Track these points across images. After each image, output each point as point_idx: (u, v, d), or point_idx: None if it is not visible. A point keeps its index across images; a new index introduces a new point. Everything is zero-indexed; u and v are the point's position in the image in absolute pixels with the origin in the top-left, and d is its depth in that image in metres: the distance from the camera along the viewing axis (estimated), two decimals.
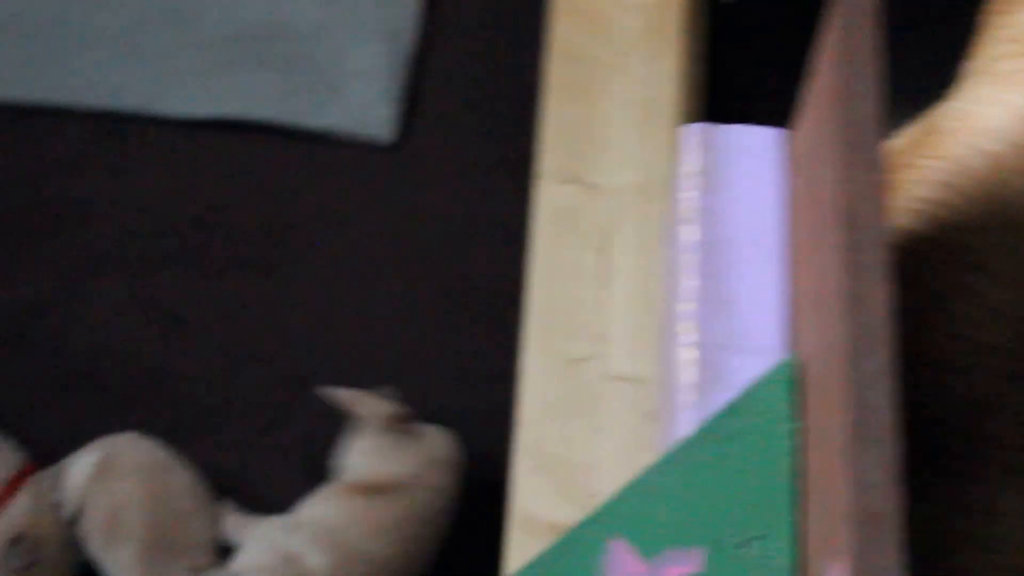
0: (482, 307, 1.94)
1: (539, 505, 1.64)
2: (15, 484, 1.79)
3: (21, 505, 1.77)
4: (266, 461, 1.86)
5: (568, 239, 1.77)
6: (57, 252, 2.01)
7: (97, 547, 1.77)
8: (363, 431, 1.80)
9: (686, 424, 1.23)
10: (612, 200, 1.77)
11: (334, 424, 1.87)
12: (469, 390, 1.89)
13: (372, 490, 1.73)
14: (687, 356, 1.29)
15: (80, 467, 1.80)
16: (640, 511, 1.18)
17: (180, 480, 1.80)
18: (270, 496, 1.83)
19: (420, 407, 1.85)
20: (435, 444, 1.79)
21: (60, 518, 1.78)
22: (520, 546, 1.64)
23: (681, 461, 1.16)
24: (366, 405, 1.82)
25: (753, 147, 1.37)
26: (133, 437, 1.82)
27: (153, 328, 1.96)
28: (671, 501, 1.15)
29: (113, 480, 1.78)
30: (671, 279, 1.43)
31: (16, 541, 1.75)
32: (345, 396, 1.82)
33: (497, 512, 1.75)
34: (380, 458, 1.77)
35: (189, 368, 1.93)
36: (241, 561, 1.71)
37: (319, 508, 1.73)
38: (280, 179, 2.04)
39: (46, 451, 1.84)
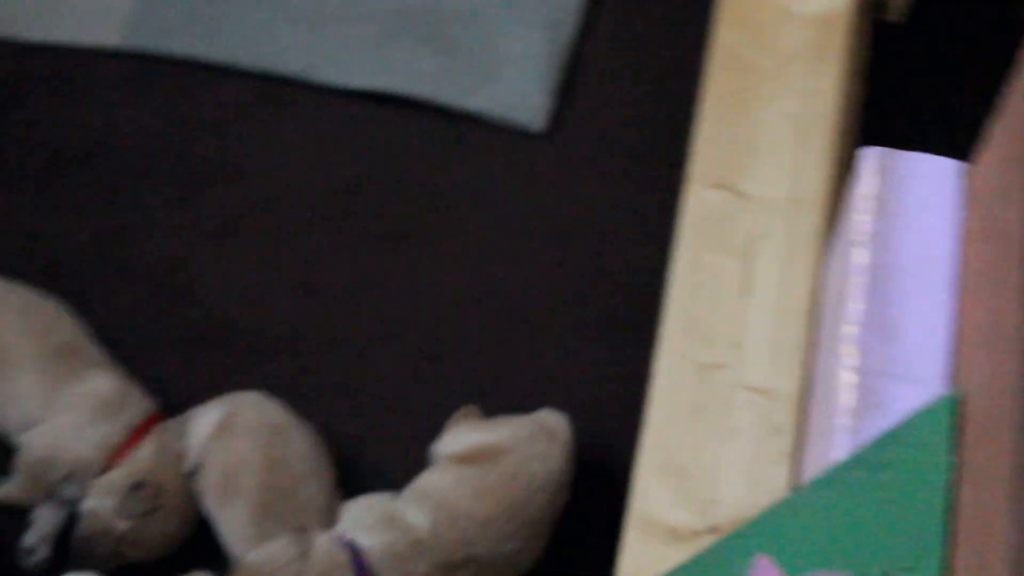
0: (618, 304, 1.94)
1: (658, 507, 1.64)
2: (142, 430, 1.81)
3: (145, 452, 1.80)
4: (389, 433, 1.87)
5: (712, 244, 1.76)
6: (202, 209, 2.03)
7: (212, 502, 1.79)
8: (457, 422, 1.81)
9: (839, 447, 1.23)
10: (760, 209, 1.76)
11: (455, 401, 1.87)
12: (598, 385, 1.89)
13: (473, 458, 1.74)
14: (847, 379, 1.28)
15: (203, 422, 1.83)
16: (788, 530, 1.17)
17: (299, 444, 1.81)
18: (389, 469, 1.84)
19: (546, 397, 1.86)
20: (541, 418, 1.79)
21: (181, 469, 1.81)
22: (635, 545, 1.64)
23: (834, 485, 1.16)
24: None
25: (930, 176, 1.35)
26: (258, 397, 1.84)
27: (289, 291, 1.97)
28: (820, 523, 1.14)
29: (233, 438, 1.80)
30: (836, 299, 1.42)
31: (137, 486, 1.77)
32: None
33: (615, 509, 1.75)
34: (479, 430, 1.78)
35: (321, 334, 1.94)
36: (344, 523, 1.72)
37: (424, 478, 1.75)
38: (428, 157, 2.05)
39: (174, 401, 1.86)
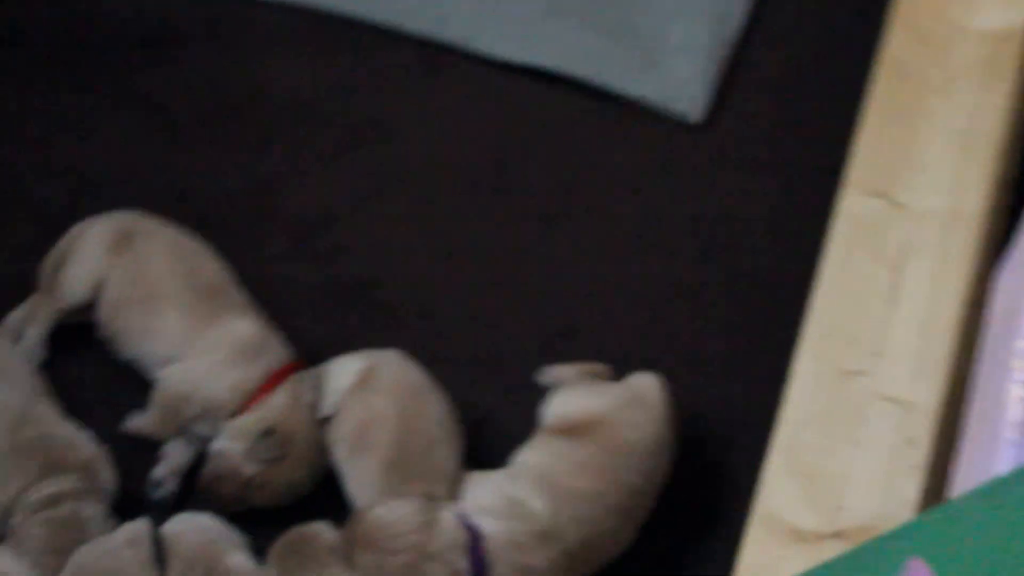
0: (761, 302, 1.93)
1: (783, 507, 1.64)
2: (278, 378, 1.83)
3: (279, 399, 1.81)
4: (517, 408, 1.87)
5: (863, 252, 1.75)
6: (354, 167, 2.04)
7: (342, 454, 1.81)
8: (566, 382, 1.81)
9: (1005, 461, 1.21)
10: (916, 221, 1.75)
11: None
12: (730, 382, 1.89)
13: (568, 430, 1.73)
14: (1018, 393, 1.27)
15: (341, 374, 1.84)
16: (946, 537, 1.16)
17: (434, 407, 1.82)
18: (516, 444, 1.83)
19: (675, 389, 1.85)
20: (634, 384, 1.78)
21: (313, 420, 1.82)
22: (756, 543, 1.63)
23: (996, 497, 1.14)
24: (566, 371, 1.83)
25: None
26: (397, 356, 1.84)
27: (433, 257, 1.98)
28: (979, 534, 1.13)
29: (371, 393, 1.81)
30: (1008, 314, 1.41)
31: (268, 433, 1.79)
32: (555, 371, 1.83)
33: (739, 506, 1.75)
34: (575, 400, 1.77)
35: (461, 302, 1.95)
36: (469, 502, 1.72)
37: (528, 454, 1.74)
38: (582, 138, 2.05)
39: (309, 354, 1.87)
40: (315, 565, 1.67)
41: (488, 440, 1.84)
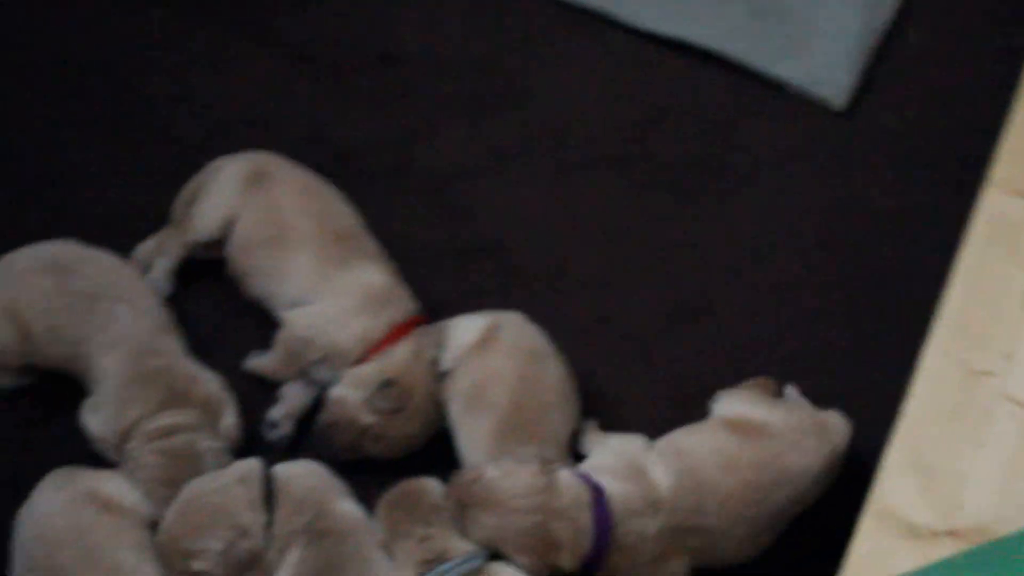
0: (891, 294, 1.91)
1: (900, 502, 1.61)
2: (402, 330, 1.83)
3: (402, 352, 1.82)
4: (634, 378, 1.87)
5: (1002, 251, 1.72)
6: (491, 128, 2.04)
7: (458, 411, 1.81)
8: (748, 387, 1.80)
9: None
10: None
11: (707, 361, 1.88)
12: (852, 371, 1.87)
13: (739, 428, 1.72)
14: None
15: (464, 332, 1.84)
16: None
17: (553, 372, 1.82)
18: (629, 413, 1.84)
19: (796, 374, 1.84)
20: (824, 416, 1.75)
21: (433, 375, 1.83)
22: (869, 535, 1.61)
23: None
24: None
25: None
26: (520, 318, 1.85)
27: (562, 223, 1.98)
28: None
29: (492, 352, 1.81)
30: None
31: (388, 384, 1.79)
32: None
33: (854, 497, 1.73)
34: (757, 404, 1.76)
35: (585, 270, 1.95)
36: (589, 461, 1.72)
37: (682, 436, 1.73)
38: (722, 114, 2.04)
39: (432, 309, 1.88)
40: (421, 521, 1.68)
41: (600, 408, 1.83)
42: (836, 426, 1.77)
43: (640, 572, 1.68)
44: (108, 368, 1.79)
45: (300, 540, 1.69)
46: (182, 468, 1.75)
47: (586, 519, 1.65)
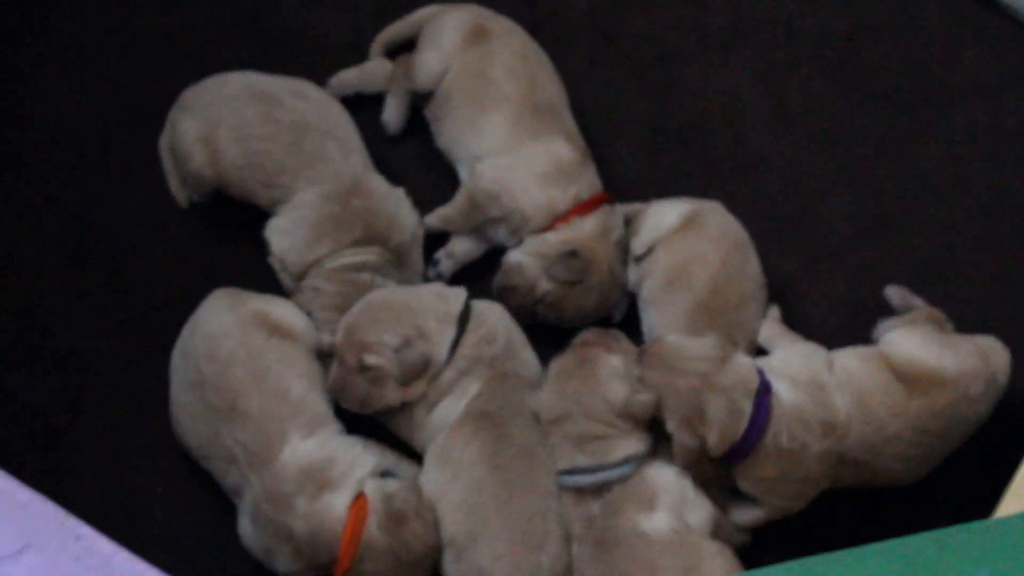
0: None
1: None
2: (588, 205, 1.81)
3: (589, 225, 1.80)
4: (821, 279, 1.85)
5: None
6: (703, 14, 1.98)
7: (655, 288, 1.77)
8: (918, 320, 1.75)
9: None
10: None
11: (890, 273, 1.83)
12: None
13: (909, 375, 1.68)
14: None
15: (666, 214, 1.80)
16: None
17: (753, 264, 1.79)
18: (813, 316, 1.83)
19: (982, 298, 1.82)
20: (990, 357, 1.71)
21: (617, 253, 1.80)
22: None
23: None
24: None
25: None
26: (720, 207, 1.82)
27: (767, 115, 1.93)
28: None
29: (696, 236, 1.77)
30: None
31: (571, 255, 1.78)
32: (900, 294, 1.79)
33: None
34: (929, 345, 1.70)
35: (784, 166, 1.91)
36: (772, 361, 1.69)
37: (855, 362, 1.69)
38: (943, 32, 1.96)
39: (626, 186, 1.88)
40: (593, 384, 1.66)
41: (782, 301, 1.81)
42: (998, 356, 1.71)
43: (781, 489, 1.66)
44: (308, 200, 1.80)
45: (482, 373, 1.70)
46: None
47: (744, 405, 1.63)
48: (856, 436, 1.66)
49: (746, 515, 1.68)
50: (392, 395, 1.69)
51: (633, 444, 1.65)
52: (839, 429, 1.65)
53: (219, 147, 1.82)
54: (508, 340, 1.73)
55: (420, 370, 1.69)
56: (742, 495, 1.68)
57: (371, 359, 1.69)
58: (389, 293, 1.74)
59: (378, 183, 1.83)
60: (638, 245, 1.80)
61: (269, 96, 1.83)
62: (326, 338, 1.75)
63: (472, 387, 1.70)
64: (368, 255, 1.78)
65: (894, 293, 1.78)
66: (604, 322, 1.80)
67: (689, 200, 1.82)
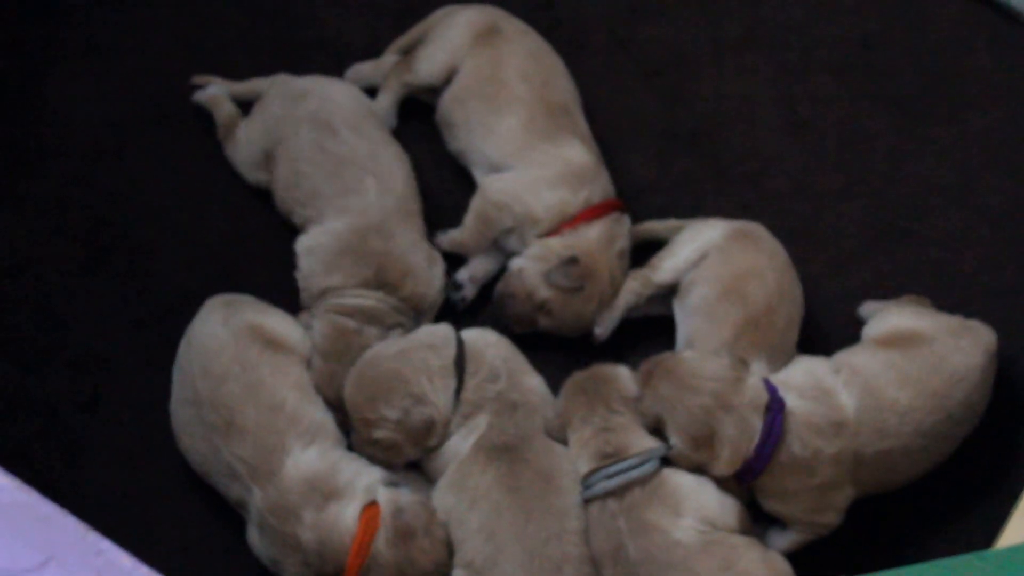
0: None
1: None
2: (595, 211, 1.82)
3: (592, 232, 1.81)
4: (827, 294, 1.86)
5: None
6: (715, 13, 1.99)
7: (705, 298, 1.75)
8: (901, 302, 1.79)
9: None
10: None
11: (905, 283, 1.85)
12: None
13: (896, 341, 1.72)
14: None
15: (710, 230, 1.79)
16: None
17: (798, 290, 1.79)
18: (827, 319, 1.85)
19: (999, 308, 1.83)
20: (969, 325, 1.74)
21: (619, 262, 1.81)
22: None
23: None
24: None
25: None
26: (760, 227, 1.81)
27: (776, 121, 1.94)
28: None
29: (751, 249, 1.77)
30: None
31: (571, 261, 1.79)
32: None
33: None
34: (904, 313, 1.75)
35: (793, 172, 1.91)
36: (780, 376, 1.72)
37: (855, 354, 1.73)
38: (955, 36, 1.96)
39: (636, 191, 1.89)
40: (602, 408, 1.69)
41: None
42: (983, 330, 1.75)
43: (803, 500, 1.68)
44: (335, 228, 1.81)
45: (491, 407, 1.71)
46: (342, 349, 1.76)
47: (756, 423, 1.66)
48: (870, 427, 1.68)
49: (781, 540, 1.71)
50: (410, 453, 1.72)
51: (650, 440, 1.67)
52: (850, 427, 1.67)
53: (275, 162, 1.85)
54: (510, 372, 1.74)
55: (427, 431, 1.71)
56: (775, 521, 1.71)
57: (378, 434, 1.71)
58: (376, 361, 1.74)
59: (407, 227, 1.82)
60: (682, 256, 1.79)
61: (327, 126, 1.84)
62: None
63: (481, 421, 1.71)
64: (369, 300, 1.78)
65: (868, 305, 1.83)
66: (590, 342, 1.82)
67: (729, 221, 1.81)
